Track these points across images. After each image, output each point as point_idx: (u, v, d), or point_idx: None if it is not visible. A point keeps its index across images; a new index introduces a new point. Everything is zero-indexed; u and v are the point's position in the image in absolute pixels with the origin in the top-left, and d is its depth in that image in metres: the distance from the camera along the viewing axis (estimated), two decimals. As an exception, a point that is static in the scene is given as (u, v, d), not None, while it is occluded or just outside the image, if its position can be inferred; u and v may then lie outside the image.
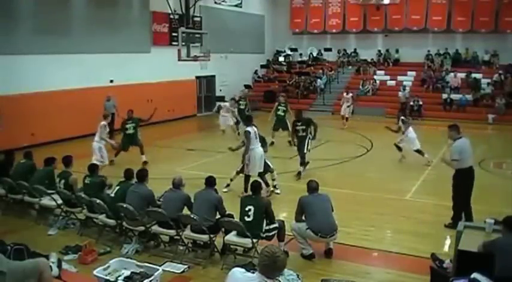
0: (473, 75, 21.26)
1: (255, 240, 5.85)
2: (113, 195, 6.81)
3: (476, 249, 4.43)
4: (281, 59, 26.69)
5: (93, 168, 7.57)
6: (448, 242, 6.70)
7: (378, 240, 7.03)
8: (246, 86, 24.22)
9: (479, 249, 4.41)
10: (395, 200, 8.91)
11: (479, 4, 21.87)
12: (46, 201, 7.63)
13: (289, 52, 26.40)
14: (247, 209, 5.99)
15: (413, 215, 8.05)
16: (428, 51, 23.43)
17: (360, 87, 22.55)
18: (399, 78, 22.80)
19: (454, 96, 20.43)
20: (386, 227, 7.63)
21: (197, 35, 19.07)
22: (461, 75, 21.56)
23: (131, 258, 5.77)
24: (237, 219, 6.07)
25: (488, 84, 20.60)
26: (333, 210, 6.32)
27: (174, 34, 18.60)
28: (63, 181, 7.59)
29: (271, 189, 9.16)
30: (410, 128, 11.66)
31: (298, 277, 5.50)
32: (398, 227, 7.50)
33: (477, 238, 4.64)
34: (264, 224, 6.00)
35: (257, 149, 8.80)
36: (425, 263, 5.61)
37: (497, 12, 21.61)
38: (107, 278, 5.03)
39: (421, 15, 23.03)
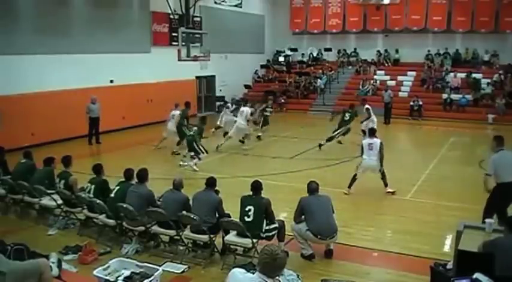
0: (473, 75, 21.24)
1: (255, 240, 5.84)
2: (113, 195, 6.81)
3: (476, 249, 4.42)
4: (281, 59, 26.66)
5: (98, 169, 7.48)
6: (448, 242, 6.70)
7: (378, 240, 7.02)
8: (246, 86, 24.30)
9: (479, 249, 4.40)
10: (395, 200, 8.91)
11: (479, 4, 21.86)
12: (46, 201, 7.62)
13: (289, 52, 26.37)
14: (247, 209, 5.98)
15: (413, 215, 8.06)
16: (428, 51, 23.41)
17: (360, 87, 22.54)
18: (399, 78, 22.79)
19: (454, 96, 20.41)
20: (386, 227, 7.63)
21: (197, 35, 19.10)
22: (461, 75, 21.55)
23: (131, 258, 5.77)
24: (236, 219, 6.06)
25: (488, 84, 20.58)
26: (333, 212, 6.31)
27: (174, 34, 18.61)
28: (63, 181, 7.58)
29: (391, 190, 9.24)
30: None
31: (298, 277, 5.50)
32: (398, 227, 7.49)
33: (477, 238, 4.63)
34: (264, 224, 5.98)
35: (363, 161, 9.13)
36: (425, 263, 5.60)
37: (497, 12, 21.59)
38: (107, 278, 5.03)
39: (421, 15, 23.02)
